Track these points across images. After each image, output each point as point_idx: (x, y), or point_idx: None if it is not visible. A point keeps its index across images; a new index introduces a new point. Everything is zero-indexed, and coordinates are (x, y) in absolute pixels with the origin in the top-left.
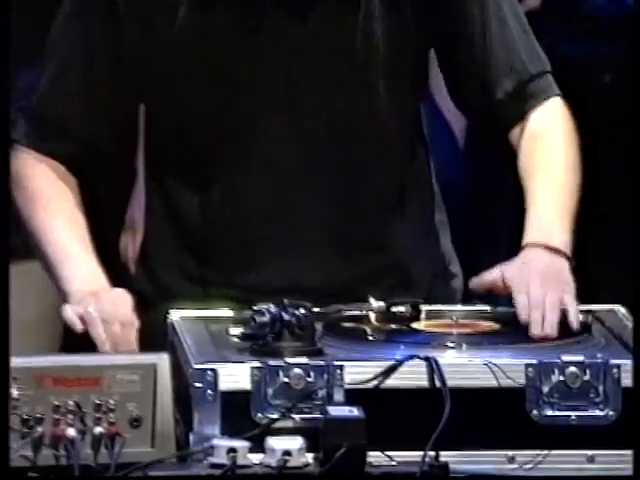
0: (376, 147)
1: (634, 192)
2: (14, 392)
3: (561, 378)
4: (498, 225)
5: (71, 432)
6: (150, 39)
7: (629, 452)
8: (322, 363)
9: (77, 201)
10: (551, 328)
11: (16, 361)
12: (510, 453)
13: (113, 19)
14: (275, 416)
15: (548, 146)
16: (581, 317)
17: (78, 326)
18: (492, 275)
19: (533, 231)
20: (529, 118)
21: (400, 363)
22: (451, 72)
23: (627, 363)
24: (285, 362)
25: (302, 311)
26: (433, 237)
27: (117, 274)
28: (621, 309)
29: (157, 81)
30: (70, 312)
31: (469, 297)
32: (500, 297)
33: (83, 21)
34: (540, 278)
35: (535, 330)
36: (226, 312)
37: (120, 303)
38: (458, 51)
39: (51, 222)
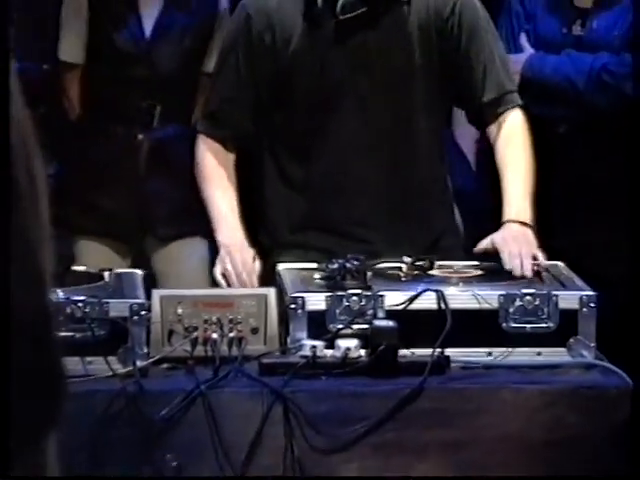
0: (417, 147)
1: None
2: (179, 310)
3: (520, 303)
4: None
5: (214, 336)
6: (274, 63)
7: (563, 349)
8: (370, 293)
9: (230, 174)
10: (527, 271)
11: (184, 292)
12: (488, 350)
13: (252, 52)
14: (340, 326)
15: (515, 146)
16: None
17: (223, 284)
18: (485, 242)
19: (509, 211)
20: (503, 119)
21: (419, 294)
22: (457, 85)
23: (562, 294)
24: (347, 293)
25: (358, 262)
26: (452, 212)
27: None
28: (560, 264)
29: (279, 88)
30: (217, 275)
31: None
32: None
33: (234, 54)
34: (516, 240)
35: (516, 272)
36: (311, 264)
37: (246, 257)
38: (464, 74)
39: (213, 193)
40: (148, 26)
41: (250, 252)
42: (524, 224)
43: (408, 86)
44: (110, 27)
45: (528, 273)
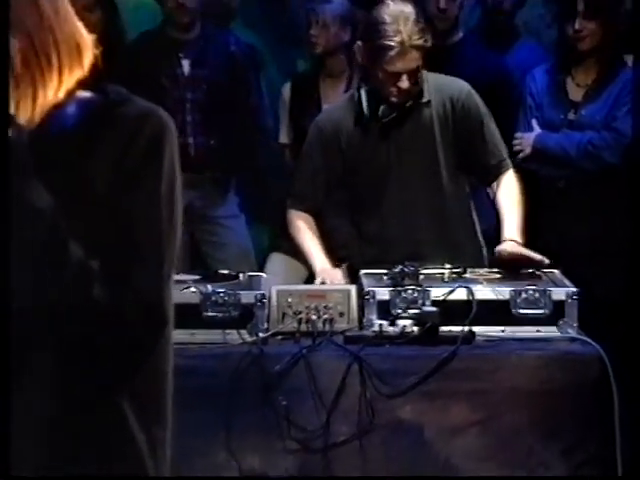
0: (446, 200)
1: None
2: (289, 299)
3: (525, 296)
4: None
5: (313, 317)
6: (341, 158)
7: (554, 328)
8: (420, 288)
9: (312, 227)
10: (513, 248)
11: (293, 287)
12: (502, 328)
13: (324, 153)
14: (399, 311)
15: (509, 196)
16: (537, 272)
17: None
18: (495, 252)
19: (507, 233)
20: (501, 179)
21: (454, 289)
22: (467, 156)
23: (554, 290)
24: (404, 288)
25: (413, 268)
26: (477, 238)
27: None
28: (556, 271)
29: (345, 174)
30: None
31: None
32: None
33: (311, 154)
34: (507, 245)
35: (503, 253)
36: (380, 270)
37: (335, 274)
38: (472, 148)
39: (304, 236)
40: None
41: (337, 271)
42: (513, 240)
43: (434, 161)
44: None
45: (514, 250)
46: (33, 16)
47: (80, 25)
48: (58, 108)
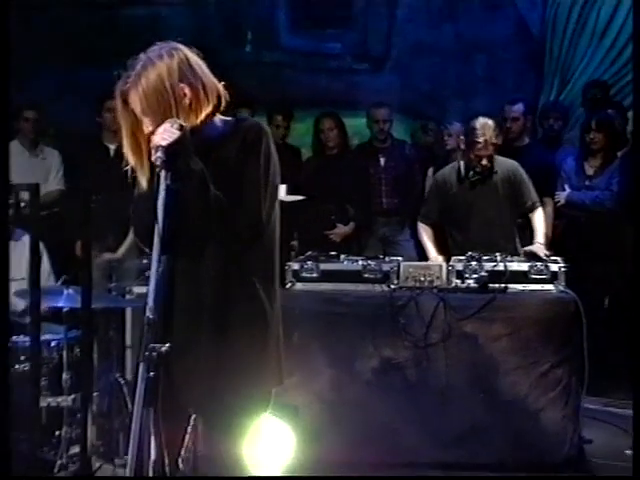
0: (503, 225)
1: None
2: (410, 269)
3: (537, 268)
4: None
5: (422, 278)
6: (446, 197)
7: (552, 285)
8: (477, 263)
9: (430, 234)
10: (541, 251)
11: (413, 263)
12: (523, 286)
13: (437, 194)
14: (467, 275)
15: (539, 222)
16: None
17: None
18: (527, 249)
19: (537, 239)
20: (533, 213)
21: (496, 265)
22: (517, 202)
23: (552, 265)
24: (469, 263)
25: (476, 255)
26: (514, 238)
27: None
28: (558, 258)
29: (448, 206)
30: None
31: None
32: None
33: (432, 194)
34: (534, 247)
35: (539, 253)
36: (461, 257)
37: (439, 258)
38: (519, 198)
39: (425, 238)
40: None
41: (440, 258)
42: (540, 243)
43: (498, 204)
44: None
45: (541, 253)
46: (196, 75)
47: (216, 80)
48: (205, 122)
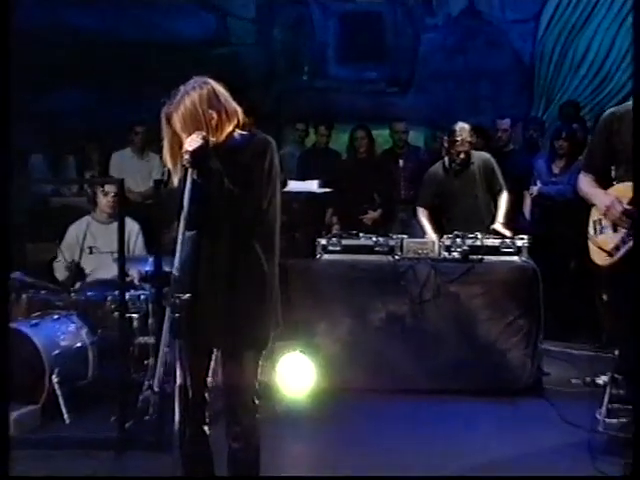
0: (480, 203)
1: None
2: (410, 244)
3: (508, 243)
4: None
5: (420, 246)
6: (436, 186)
7: (517, 257)
8: (461, 240)
9: (426, 215)
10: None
11: (414, 240)
12: (496, 258)
13: (430, 182)
14: (453, 248)
15: (504, 204)
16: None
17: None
18: (491, 228)
19: (498, 219)
20: (500, 195)
21: (476, 241)
22: (489, 186)
23: (518, 241)
24: (454, 239)
25: (461, 234)
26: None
27: None
28: (524, 236)
29: (438, 193)
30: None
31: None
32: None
33: (425, 184)
34: (499, 228)
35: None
36: (450, 235)
37: (434, 237)
38: (492, 184)
39: (423, 219)
40: None
41: (435, 236)
42: (500, 223)
43: (476, 188)
44: None
45: (501, 229)
46: (220, 103)
47: (236, 106)
48: (228, 137)
